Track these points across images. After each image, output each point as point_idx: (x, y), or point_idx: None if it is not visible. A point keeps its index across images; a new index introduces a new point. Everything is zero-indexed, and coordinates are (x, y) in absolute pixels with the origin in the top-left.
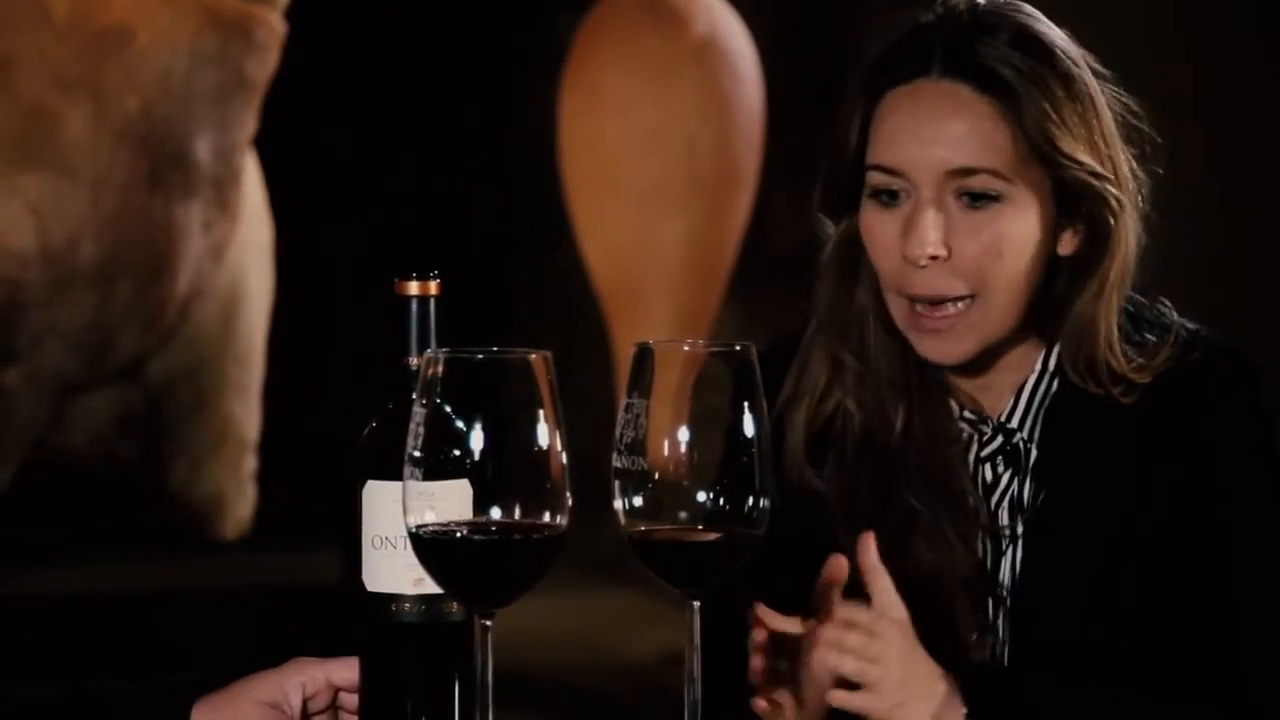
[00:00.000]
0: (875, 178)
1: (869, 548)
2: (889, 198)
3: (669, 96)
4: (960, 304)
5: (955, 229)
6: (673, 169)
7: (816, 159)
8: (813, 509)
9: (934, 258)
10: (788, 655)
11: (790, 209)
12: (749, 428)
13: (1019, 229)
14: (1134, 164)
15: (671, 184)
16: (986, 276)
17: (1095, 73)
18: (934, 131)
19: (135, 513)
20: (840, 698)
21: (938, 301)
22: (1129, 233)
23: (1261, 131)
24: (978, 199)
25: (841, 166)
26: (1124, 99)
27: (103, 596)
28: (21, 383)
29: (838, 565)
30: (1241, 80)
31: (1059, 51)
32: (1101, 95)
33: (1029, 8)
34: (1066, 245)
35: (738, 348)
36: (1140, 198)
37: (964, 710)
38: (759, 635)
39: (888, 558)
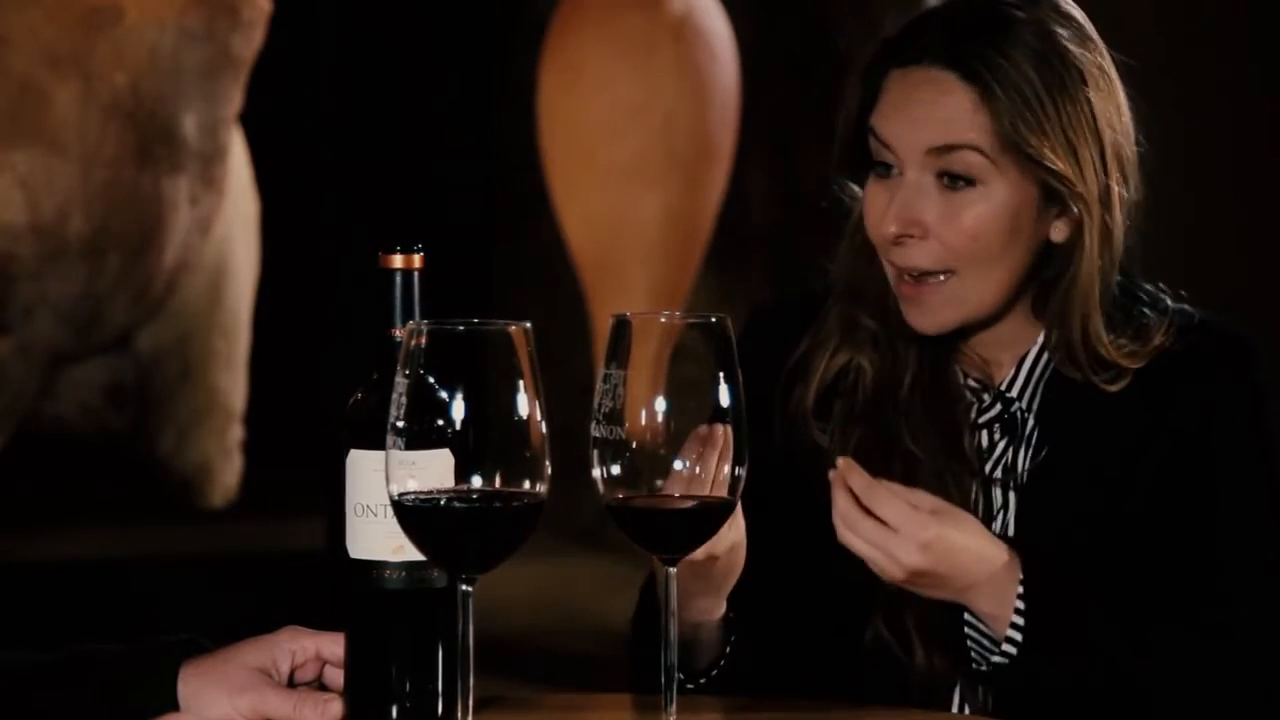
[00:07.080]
0: (872, 145)
1: (853, 472)
2: (884, 169)
3: (647, 73)
4: (940, 277)
5: (934, 210)
6: (650, 144)
7: (790, 134)
8: (812, 464)
9: (910, 236)
10: None
11: (766, 183)
12: (724, 397)
13: (998, 213)
14: (1126, 174)
15: (649, 159)
16: (963, 256)
17: (1109, 76)
18: (920, 112)
19: (124, 481)
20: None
21: (917, 275)
22: (1096, 243)
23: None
24: (957, 181)
25: (848, 135)
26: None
27: (92, 563)
28: (13, 354)
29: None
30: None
31: (1065, 54)
32: (1111, 102)
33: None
34: (1059, 232)
35: (713, 320)
36: (1122, 205)
37: (1020, 579)
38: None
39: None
